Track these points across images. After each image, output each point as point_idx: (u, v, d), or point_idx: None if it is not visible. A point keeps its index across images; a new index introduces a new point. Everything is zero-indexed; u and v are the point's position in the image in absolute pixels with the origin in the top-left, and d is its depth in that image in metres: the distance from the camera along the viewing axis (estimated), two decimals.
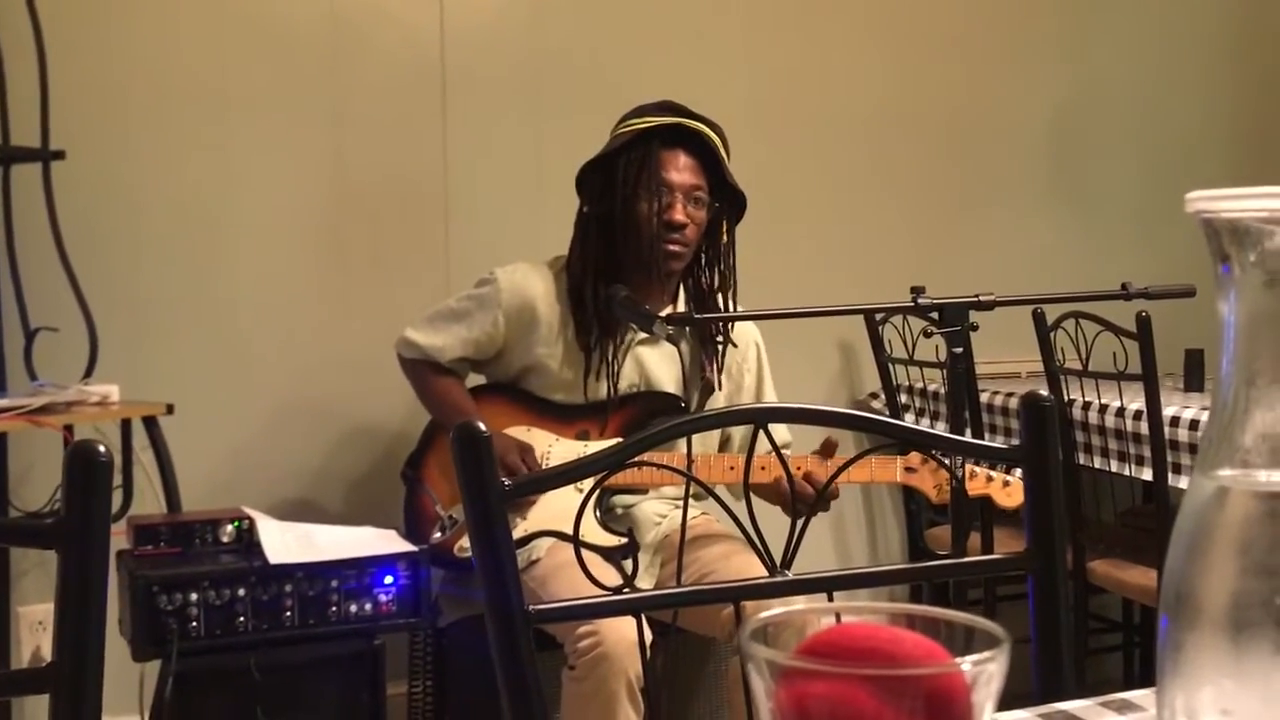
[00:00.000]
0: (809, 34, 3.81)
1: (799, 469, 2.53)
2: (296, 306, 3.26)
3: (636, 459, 1.07)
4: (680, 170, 2.65)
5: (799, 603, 2.27)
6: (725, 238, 2.75)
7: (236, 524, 2.55)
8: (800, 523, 1.08)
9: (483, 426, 1.00)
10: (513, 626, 0.99)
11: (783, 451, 2.52)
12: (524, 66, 3.47)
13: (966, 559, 1.15)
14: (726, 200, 2.72)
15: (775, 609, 0.51)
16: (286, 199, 3.26)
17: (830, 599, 1.11)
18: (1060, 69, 4.13)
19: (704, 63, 3.64)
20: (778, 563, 1.10)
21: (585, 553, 2.32)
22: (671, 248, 2.64)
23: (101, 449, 0.88)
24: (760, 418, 1.10)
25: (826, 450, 2.54)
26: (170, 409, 2.76)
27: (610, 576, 2.43)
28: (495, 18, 3.46)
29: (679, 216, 2.62)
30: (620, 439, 2.68)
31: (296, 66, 3.26)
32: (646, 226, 2.63)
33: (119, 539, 2.52)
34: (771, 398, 2.87)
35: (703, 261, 2.76)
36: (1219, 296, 0.71)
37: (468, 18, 3.41)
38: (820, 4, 3.81)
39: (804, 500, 2.46)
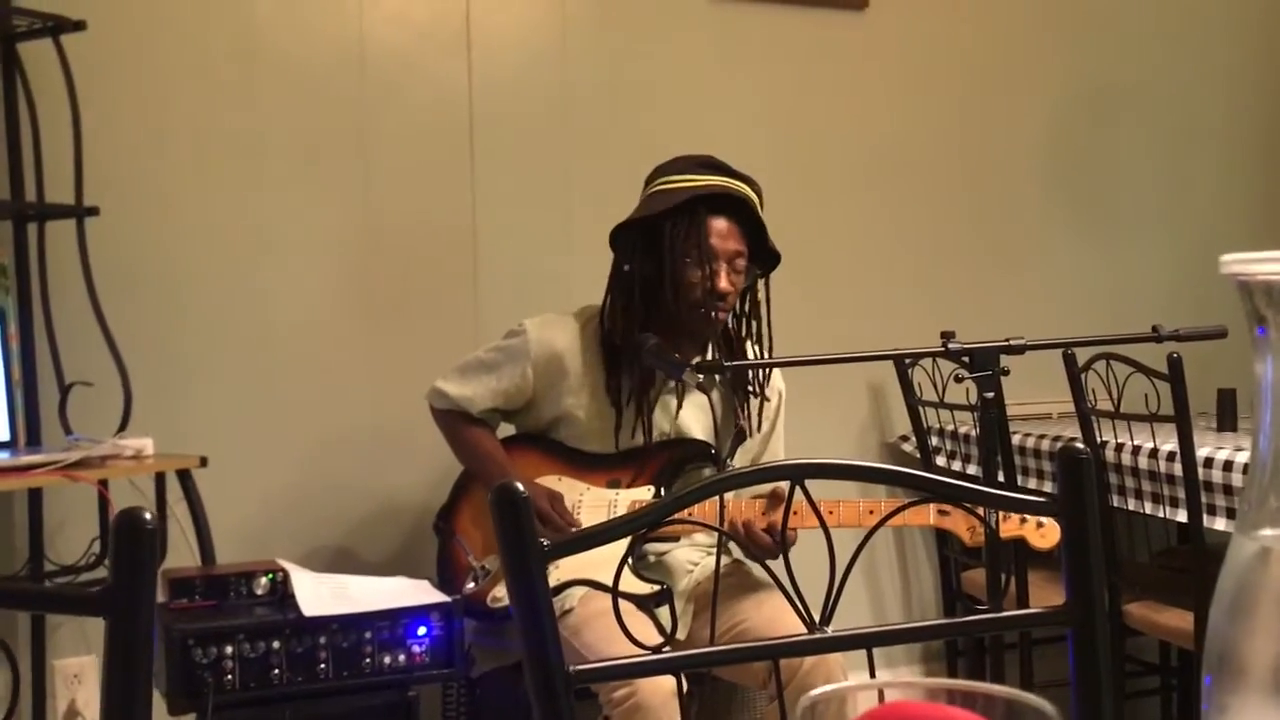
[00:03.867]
0: (837, 80, 3.83)
1: (761, 515, 2.54)
2: (328, 359, 3.28)
3: (673, 517, 1.07)
4: (724, 238, 2.66)
5: (836, 662, 2.26)
6: (761, 294, 2.76)
7: (271, 576, 2.55)
8: (839, 577, 1.08)
9: (521, 487, 1.01)
10: (554, 688, 0.99)
11: (736, 498, 2.54)
12: (552, 118, 3.50)
13: (1005, 614, 1.15)
14: (763, 261, 2.74)
15: (823, 687, 0.51)
16: (318, 252, 3.29)
17: (870, 655, 1.11)
18: (1082, 108, 4.14)
19: (729, 114, 3.67)
20: (816, 619, 1.10)
21: (619, 601, 2.31)
22: (714, 313, 2.66)
23: (148, 516, 0.89)
24: (797, 474, 1.10)
25: (775, 500, 2.56)
26: (204, 462, 2.77)
27: (644, 625, 2.43)
28: (523, 69, 3.49)
29: (724, 285, 2.63)
30: (651, 487, 2.70)
31: (327, 119, 3.29)
32: (692, 293, 2.64)
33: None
34: (778, 448, 2.88)
35: (734, 315, 2.77)
36: (1255, 358, 0.71)
37: (496, 69, 3.45)
38: (842, 53, 3.84)
39: (763, 549, 2.49)
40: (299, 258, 3.27)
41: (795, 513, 2.50)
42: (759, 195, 2.72)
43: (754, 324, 2.77)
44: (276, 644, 2.41)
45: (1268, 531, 0.70)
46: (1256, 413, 0.71)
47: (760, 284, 2.77)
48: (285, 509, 3.22)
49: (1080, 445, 1.16)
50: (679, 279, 2.65)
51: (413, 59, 3.38)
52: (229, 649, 2.37)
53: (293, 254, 3.26)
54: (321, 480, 3.27)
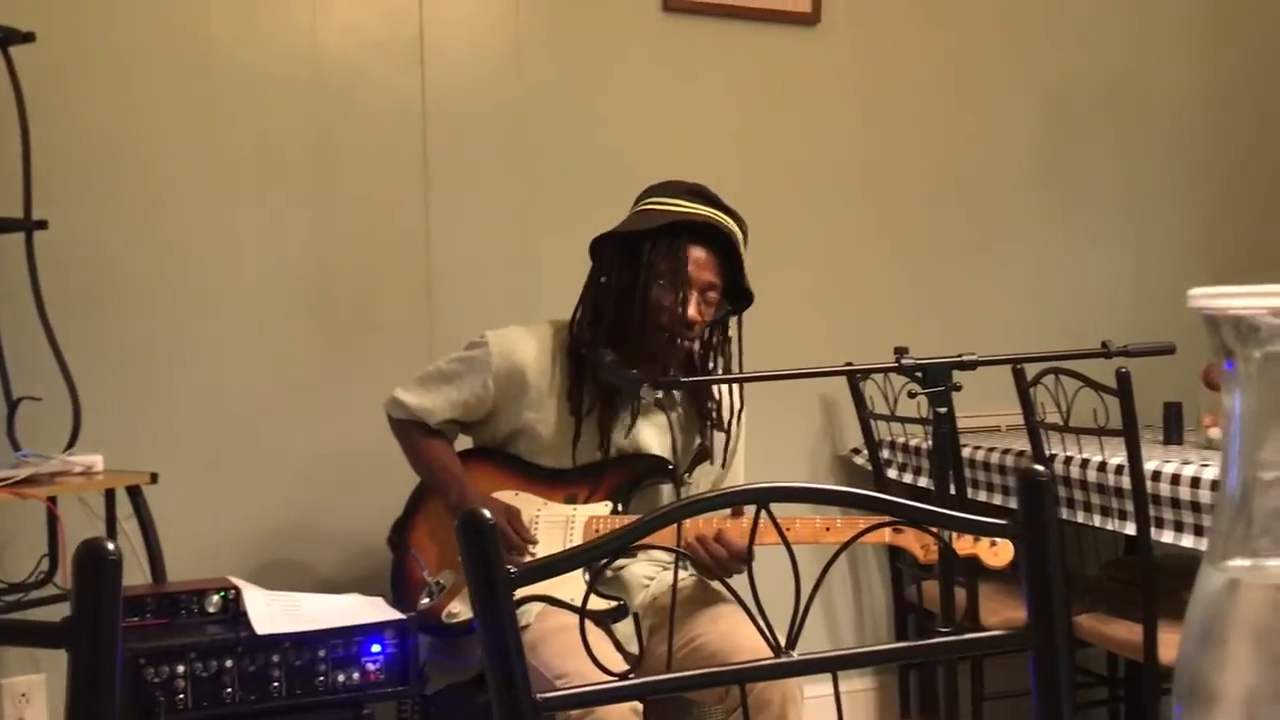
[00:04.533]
0: (790, 94, 3.85)
1: (721, 529, 2.55)
2: (280, 374, 3.26)
3: (640, 541, 1.07)
4: (701, 268, 2.65)
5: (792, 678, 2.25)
6: (732, 331, 2.76)
7: (223, 594, 2.53)
8: (805, 600, 1.09)
9: (488, 513, 1.01)
10: (520, 716, 0.99)
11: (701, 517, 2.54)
12: (506, 130, 3.50)
13: (967, 636, 1.16)
14: (735, 298, 2.74)
15: None
16: (269, 266, 3.27)
17: (834, 677, 1.12)
18: (1037, 122, 4.18)
19: (684, 127, 3.67)
20: (777, 639, 1.10)
21: (574, 618, 2.30)
22: (676, 340, 2.66)
23: (110, 546, 0.88)
24: (763, 497, 1.11)
25: (736, 511, 2.57)
26: (154, 478, 2.75)
27: (601, 640, 2.43)
28: (477, 81, 3.49)
29: (693, 313, 2.64)
30: (609, 502, 2.70)
31: (280, 131, 3.27)
32: (658, 315, 2.64)
33: None
34: (738, 469, 2.89)
35: (700, 344, 2.77)
36: (1224, 390, 0.72)
37: (449, 80, 3.44)
38: (795, 68, 3.85)
39: (717, 561, 2.49)
40: (251, 271, 3.25)
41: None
42: (744, 232, 2.72)
43: (721, 359, 2.76)
44: (229, 662, 2.39)
45: (1236, 562, 0.71)
46: (1225, 444, 0.72)
47: (732, 322, 2.76)
48: (236, 526, 3.19)
49: (1039, 467, 1.17)
50: (650, 299, 2.65)
51: (366, 70, 3.36)
52: (181, 668, 2.35)
53: (244, 267, 3.24)
54: (273, 496, 3.24)
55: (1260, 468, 0.71)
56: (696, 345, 2.77)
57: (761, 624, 1.10)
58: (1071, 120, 4.23)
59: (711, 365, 2.77)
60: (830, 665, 1.11)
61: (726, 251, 2.69)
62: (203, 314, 3.19)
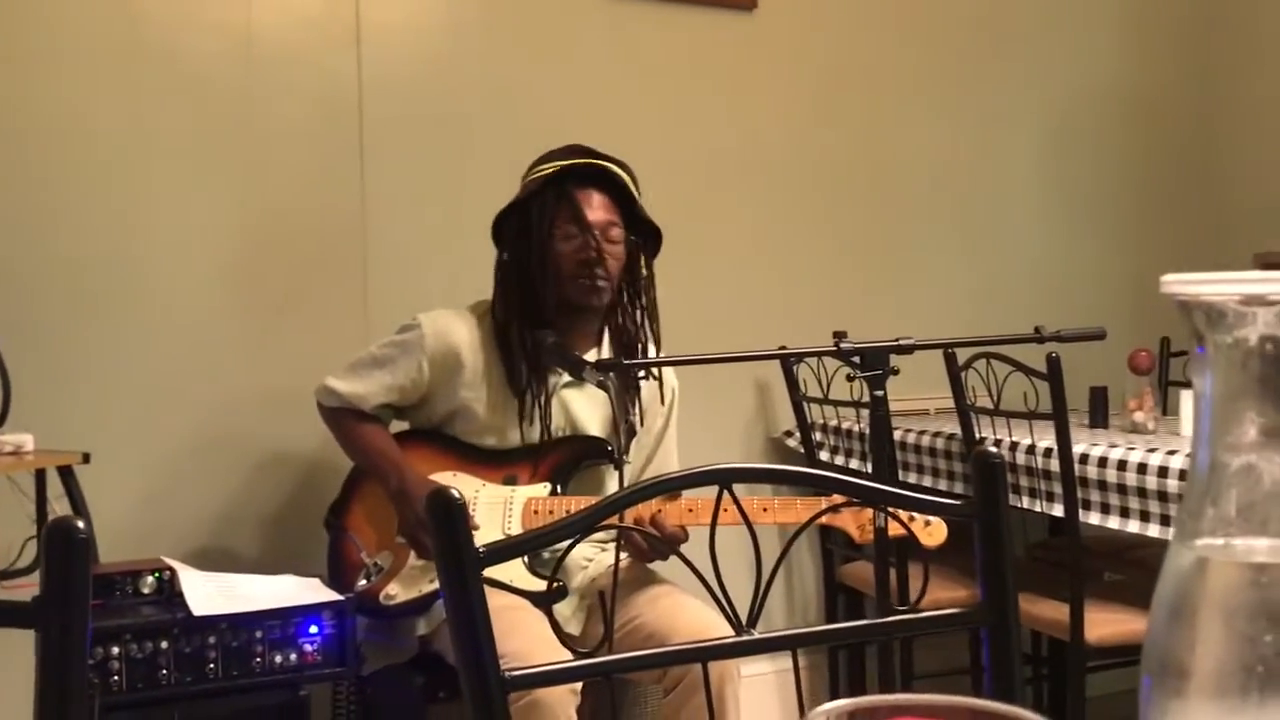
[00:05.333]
0: (726, 79, 3.86)
1: (659, 511, 2.56)
2: (213, 352, 3.22)
3: (572, 516, 1.08)
4: (595, 208, 2.69)
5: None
6: (645, 272, 2.78)
7: (157, 575, 2.51)
8: (765, 580, 1.10)
9: (457, 493, 1.01)
10: (489, 692, 0.99)
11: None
12: (443, 112, 3.48)
13: (922, 614, 1.18)
14: (642, 234, 2.76)
15: (839, 702, 0.53)
16: (202, 244, 3.22)
17: (794, 655, 1.13)
18: (969, 110, 4.23)
19: (620, 110, 3.67)
20: (743, 620, 1.12)
21: (513, 599, 2.31)
22: (593, 283, 2.67)
23: (80, 525, 0.88)
24: (725, 478, 1.12)
25: (670, 495, 2.59)
26: (86, 458, 2.71)
27: (540, 621, 2.42)
28: (413, 61, 3.46)
29: (596, 253, 2.65)
30: (548, 484, 2.70)
31: (212, 109, 3.22)
32: (567, 265, 2.66)
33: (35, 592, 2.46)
34: (671, 447, 2.91)
35: (624, 299, 2.78)
36: (1195, 373, 0.74)
37: (385, 61, 3.41)
38: (732, 53, 3.86)
39: (651, 544, 2.53)
40: (184, 251, 3.20)
41: (691, 510, 2.54)
42: (631, 176, 2.75)
43: (643, 306, 2.77)
44: (164, 644, 2.37)
45: (1204, 541, 0.72)
46: (1196, 425, 0.74)
47: (643, 262, 2.78)
48: (170, 506, 3.15)
49: (994, 449, 1.19)
50: (550, 252, 2.67)
51: (301, 50, 3.32)
52: (115, 649, 2.33)
53: (177, 247, 3.19)
54: (207, 477, 3.20)
55: (1228, 449, 0.73)
56: (625, 301, 2.78)
57: (725, 605, 1.12)
58: (1004, 111, 4.29)
59: (640, 322, 2.77)
60: (787, 644, 1.13)
61: (619, 194, 2.71)
62: (134, 294, 3.14)
